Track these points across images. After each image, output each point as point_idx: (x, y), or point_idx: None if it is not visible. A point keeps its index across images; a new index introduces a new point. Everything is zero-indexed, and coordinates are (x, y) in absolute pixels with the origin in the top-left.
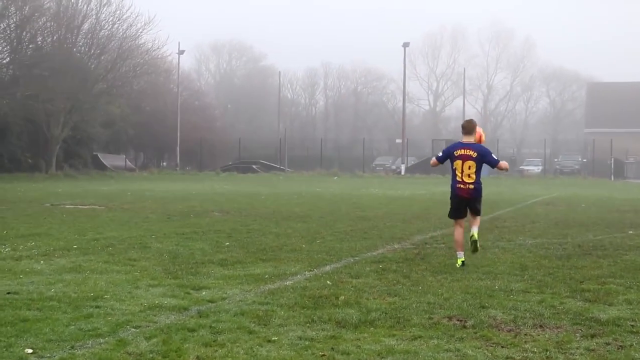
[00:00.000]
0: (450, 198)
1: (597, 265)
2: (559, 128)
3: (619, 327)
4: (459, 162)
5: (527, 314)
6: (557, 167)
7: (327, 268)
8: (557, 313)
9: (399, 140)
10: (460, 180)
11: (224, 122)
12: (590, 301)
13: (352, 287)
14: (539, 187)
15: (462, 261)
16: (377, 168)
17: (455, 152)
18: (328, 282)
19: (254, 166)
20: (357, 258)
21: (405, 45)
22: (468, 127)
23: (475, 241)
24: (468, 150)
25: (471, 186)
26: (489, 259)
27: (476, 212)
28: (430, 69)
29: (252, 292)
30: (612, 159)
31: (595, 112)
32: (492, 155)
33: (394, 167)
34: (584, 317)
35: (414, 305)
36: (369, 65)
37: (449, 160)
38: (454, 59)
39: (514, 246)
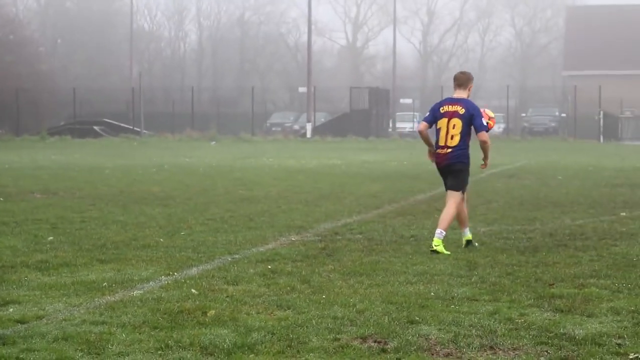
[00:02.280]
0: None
1: (574, 261)
2: (529, 71)
3: (600, 347)
4: (443, 121)
5: (473, 331)
6: (526, 124)
7: (193, 271)
8: (516, 329)
9: (303, 90)
10: (443, 144)
11: (52, 64)
12: (562, 311)
13: (227, 297)
14: (500, 153)
15: (468, 239)
16: (273, 129)
17: (441, 109)
18: (193, 290)
19: (96, 127)
20: (236, 256)
21: None
22: (461, 79)
23: (435, 252)
24: (456, 106)
25: (449, 150)
26: (424, 254)
27: (450, 187)
28: None
29: (82, 307)
30: (601, 113)
31: (578, 48)
32: (482, 118)
33: (296, 127)
34: (552, 334)
35: (313, 322)
36: None
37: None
38: None
39: (460, 236)
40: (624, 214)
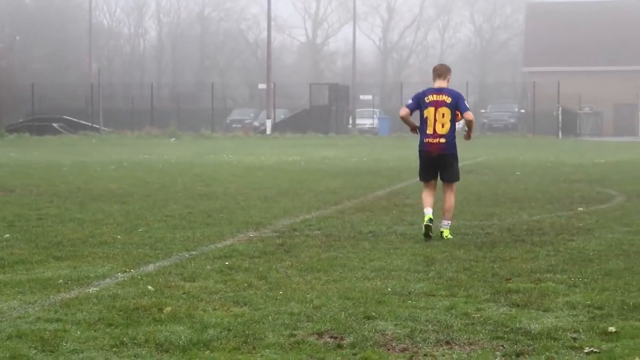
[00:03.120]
0: (419, 157)
1: (531, 256)
2: (488, 67)
3: (556, 341)
4: (430, 110)
5: (430, 326)
6: (485, 120)
7: (150, 268)
8: (472, 324)
9: (262, 86)
10: (432, 132)
11: (10, 61)
12: (518, 306)
13: (183, 293)
14: (459, 149)
15: (430, 218)
16: (234, 125)
17: (426, 98)
18: (149, 287)
19: (54, 124)
20: (194, 253)
21: None
22: (440, 70)
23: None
24: (442, 95)
25: (442, 140)
26: (382, 249)
27: (449, 179)
28: None
29: (37, 305)
30: (560, 109)
31: (538, 45)
32: (465, 101)
33: (256, 123)
34: (508, 329)
35: (270, 318)
36: None
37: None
38: None
39: (418, 231)
40: (581, 209)
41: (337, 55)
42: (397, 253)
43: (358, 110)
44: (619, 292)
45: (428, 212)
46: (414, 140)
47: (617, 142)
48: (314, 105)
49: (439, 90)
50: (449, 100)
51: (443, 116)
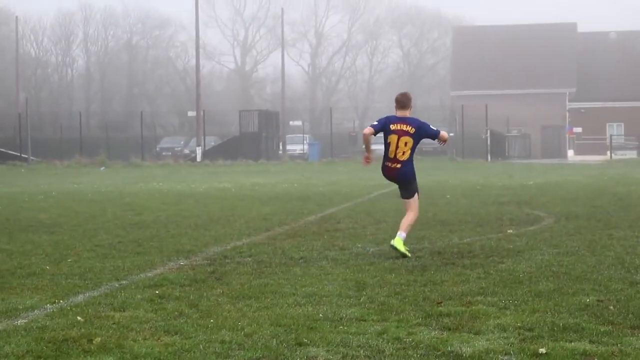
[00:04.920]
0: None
1: (462, 278)
2: (417, 91)
3: None
4: (394, 137)
5: (361, 352)
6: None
7: (80, 298)
8: (403, 348)
9: (192, 113)
10: (392, 157)
11: None
12: (450, 329)
13: (113, 323)
14: None
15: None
16: (164, 153)
17: (391, 126)
18: (79, 318)
19: None
20: (124, 282)
21: None
22: (403, 101)
23: (397, 250)
24: (405, 125)
25: (398, 165)
26: (314, 275)
27: (406, 196)
28: (236, 11)
29: None
30: (488, 132)
31: (465, 68)
32: (431, 126)
33: (186, 151)
34: (439, 352)
35: (201, 346)
36: (148, 6)
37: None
38: None
39: (350, 256)
40: (511, 231)
41: (267, 81)
42: (329, 278)
43: (288, 136)
44: (549, 313)
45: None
46: (342, 165)
47: (545, 164)
48: (244, 131)
49: (403, 120)
50: (412, 130)
51: (405, 145)
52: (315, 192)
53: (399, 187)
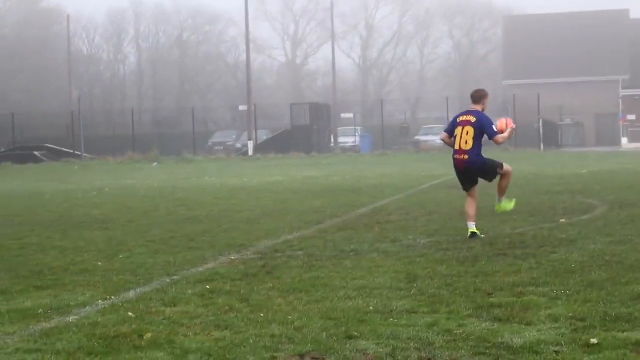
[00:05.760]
0: (454, 170)
1: (513, 269)
2: (468, 81)
3: (537, 354)
4: (459, 129)
5: (411, 344)
6: None
7: (131, 294)
8: (454, 340)
9: (243, 107)
10: (458, 148)
11: None
12: (500, 320)
13: (164, 319)
14: (441, 163)
15: (472, 232)
16: (215, 148)
17: (457, 119)
18: (130, 314)
19: (36, 153)
20: (175, 277)
21: None
22: (475, 96)
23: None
24: (468, 116)
25: (465, 156)
26: (364, 268)
27: (491, 179)
28: (285, 5)
29: (16, 336)
30: (541, 121)
31: (517, 57)
32: (493, 126)
33: (238, 145)
34: (490, 344)
35: (250, 341)
36: (198, 2)
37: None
38: None
39: (400, 248)
40: (564, 220)
41: (317, 74)
42: (379, 271)
43: (339, 128)
44: (601, 303)
45: (470, 226)
46: (394, 157)
47: (599, 152)
48: (295, 125)
49: (469, 112)
50: (473, 120)
51: (467, 134)
52: (366, 184)
53: (473, 178)
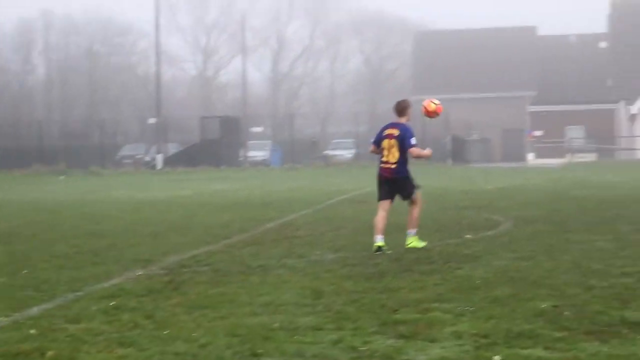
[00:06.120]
0: (377, 181)
1: (419, 285)
2: (378, 96)
3: None
4: (385, 142)
5: None
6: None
7: (34, 310)
8: (359, 357)
9: (153, 120)
10: (386, 160)
11: None
12: (405, 337)
13: (67, 336)
14: (350, 178)
15: (379, 246)
16: (124, 161)
17: (384, 132)
18: (32, 331)
19: None
20: (79, 293)
21: None
22: (398, 109)
23: (414, 247)
24: (393, 129)
25: (392, 165)
26: (271, 284)
27: (407, 196)
28: (197, 17)
29: None
30: (449, 137)
31: (426, 72)
32: (411, 138)
33: (147, 158)
34: None
35: (155, 358)
36: (109, 14)
37: None
38: (230, 1)
39: (307, 264)
40: (469, 236)
41: (228, 87)
42: (286, 287)
43: (250, 142)
44: (504, 319)
45: (377, 240)
46: (305, 171)
47: (505, 168)
48: (205, 138)
49: (393, 125)
50: (396, 133)
51: (392, 147)
52: (275, 199)
53: (390, 189)
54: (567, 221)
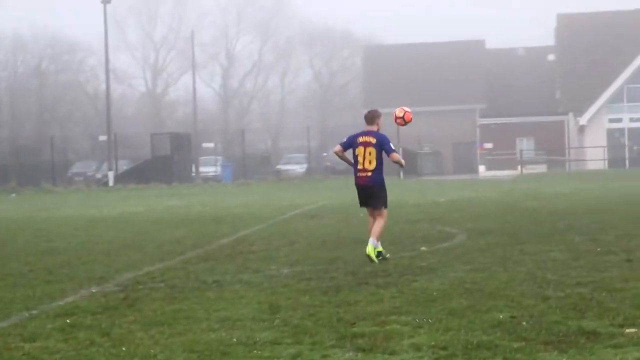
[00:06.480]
0: (356, 188)
1: (375, 298)
2: (329, 111)
3: None
4: (360, 149)
5: None
6: (328, 164)
7: None
8: None
9: (103, 138)
10: (362, 167)
11: None
12: (364, 350)
13: (23, 354)
14: (303, 193)
15: (379, 251)
16: (76, 178)
17: (357, 140)
18: None
19: None
20: (34, 312)
21: (106, 1)
22: (368, 117)
23: (370, 258)
24: (369, 137)
25: (369, 173)
26: (227, 299)
27: (375, 205)
28: (146, 34)
29: None
30: (400, 150)
31: (376, 86)
32: (390, 143)
33: (98, 175)
34: None
35: None
36: (57, 31)
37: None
38: (179, 17)
39: (263, 279)
40: (424, 248)
41: (178, 104)
42: (242, 302)
43: (201, 158)
44: (462, 331)
45: (376, 246)
46: (257, 187)
47: (457, 181)
48: (156, 155)
49: (368, 133)
50: (374, 141)
51: (370, 154)
52: (228, 214)
53: (367, 197)
54: (520, 232)
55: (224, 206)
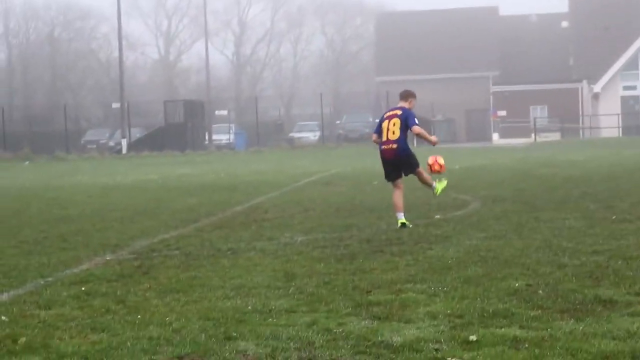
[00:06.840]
0: (381, 162)
1: (390, 266)
2: (342, 78)
3: (418, 352)
4: (386, 123)
5: (291, 344)
6: (341, 131)
7: (4, 297)
8: (334, 339)
9: (116, 105)
10: (386, 139)
11: None
12: (379, 319)
13: (39, 322)
14: (316, 161)
15: (403, 222)
16: (89, 146)
17: (384, 115)
18: (3, 317)
19: None
20: (49, 279)
21: None
22: (402, 94)
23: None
24: (395, 110)
25: (394, 145)
26: (242, 267)
27: (408, 172)
28: (158, 1)
29: None
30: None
31: (389, 54)
32: (415, 118)
33: (111, 143)
34: (370, 343)
35: (128, 344)
36: None
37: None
38: None
39: (278, 247)
40: (439, 216)
41: (191, 71)
42: (257, 270)
43: (214, 125)
44: (478, 299)
45: (400, 217)
46: (269, 154)
47: (470, 148)
48: (169, 122)
49: (396, 108)
50: (399, 112)
51: (394, 125)
52: (242, 182)
53: (399, 167)
54: (534, 200)
55: (238, 174)
